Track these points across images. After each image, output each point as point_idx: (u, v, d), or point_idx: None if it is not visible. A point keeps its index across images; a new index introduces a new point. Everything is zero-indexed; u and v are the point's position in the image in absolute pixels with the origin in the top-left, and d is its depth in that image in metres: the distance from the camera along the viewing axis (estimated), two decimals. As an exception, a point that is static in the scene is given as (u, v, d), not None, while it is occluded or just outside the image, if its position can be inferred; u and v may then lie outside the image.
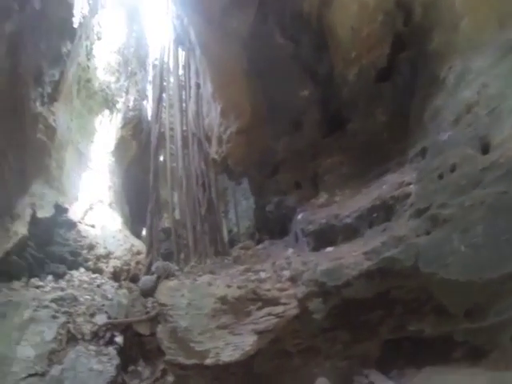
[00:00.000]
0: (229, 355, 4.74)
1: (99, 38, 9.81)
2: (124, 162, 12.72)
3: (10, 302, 5.97)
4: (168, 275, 6.37)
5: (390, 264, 4.02)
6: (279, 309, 4.77)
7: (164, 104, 11.04)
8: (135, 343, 5.85)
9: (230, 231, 13.10)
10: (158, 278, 6.36)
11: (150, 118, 12.41)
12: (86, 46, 9.36)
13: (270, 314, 4.78)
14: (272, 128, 7.25)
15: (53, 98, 8.18)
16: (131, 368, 5.59)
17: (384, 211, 4.83)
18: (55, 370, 5.06)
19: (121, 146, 12.17)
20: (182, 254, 8.24)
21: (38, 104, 7.60)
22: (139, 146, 13.08)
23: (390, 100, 5.72)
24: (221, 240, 8.62)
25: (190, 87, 10.09)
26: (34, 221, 7.29)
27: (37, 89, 7.46)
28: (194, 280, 5.78)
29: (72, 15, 7.90)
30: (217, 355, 4.81)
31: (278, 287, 5.00)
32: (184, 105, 10.03)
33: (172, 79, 10.85)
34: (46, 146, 8.09)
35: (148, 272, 7.31)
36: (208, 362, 4.85)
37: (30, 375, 5.04)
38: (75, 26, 8.26)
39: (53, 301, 5.98)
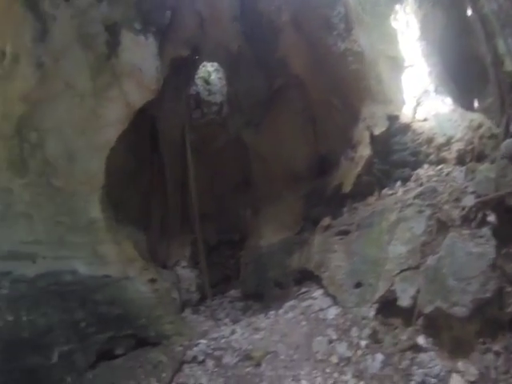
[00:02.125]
0: None
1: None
2: (434, 39, 12.16)
3: (374, 213, 6.74)
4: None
5: None
6: None
7: None
8: (506, 221, 5.04)
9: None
10: (523, 134, 4.95)
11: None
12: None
13: None
14: None
15: (349, 30, 9.01)
16: (504, 250, 4.83)
17: None
18: (431, 260, 5.13)
19: (425, 23, 11.61)
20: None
21: (339, 43, 8.75)
22: (444, 12, 12.16)
23: None
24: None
25: None
26: (373, 139, 8.41)
27: (332, 33, 8.61)
28: None
29: None
30: None
31: None
32: None
33: None
34: (359, 71, 9.03)
35: (507, 134, 6.32)
36: None
37: (403, 270, 5.51)
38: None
39: (415, 197, 6.33)
